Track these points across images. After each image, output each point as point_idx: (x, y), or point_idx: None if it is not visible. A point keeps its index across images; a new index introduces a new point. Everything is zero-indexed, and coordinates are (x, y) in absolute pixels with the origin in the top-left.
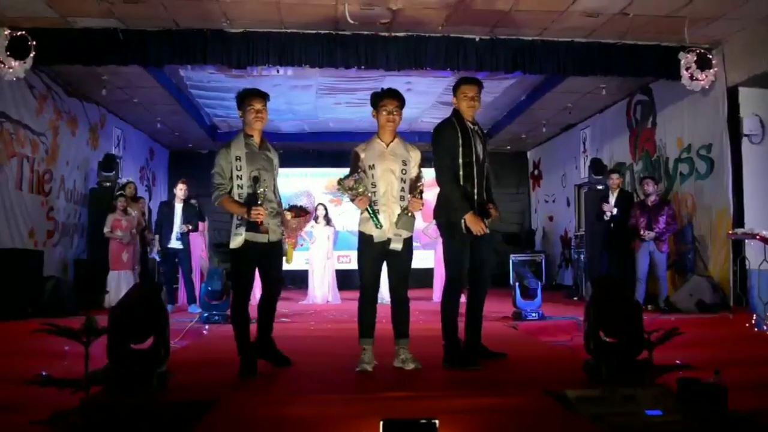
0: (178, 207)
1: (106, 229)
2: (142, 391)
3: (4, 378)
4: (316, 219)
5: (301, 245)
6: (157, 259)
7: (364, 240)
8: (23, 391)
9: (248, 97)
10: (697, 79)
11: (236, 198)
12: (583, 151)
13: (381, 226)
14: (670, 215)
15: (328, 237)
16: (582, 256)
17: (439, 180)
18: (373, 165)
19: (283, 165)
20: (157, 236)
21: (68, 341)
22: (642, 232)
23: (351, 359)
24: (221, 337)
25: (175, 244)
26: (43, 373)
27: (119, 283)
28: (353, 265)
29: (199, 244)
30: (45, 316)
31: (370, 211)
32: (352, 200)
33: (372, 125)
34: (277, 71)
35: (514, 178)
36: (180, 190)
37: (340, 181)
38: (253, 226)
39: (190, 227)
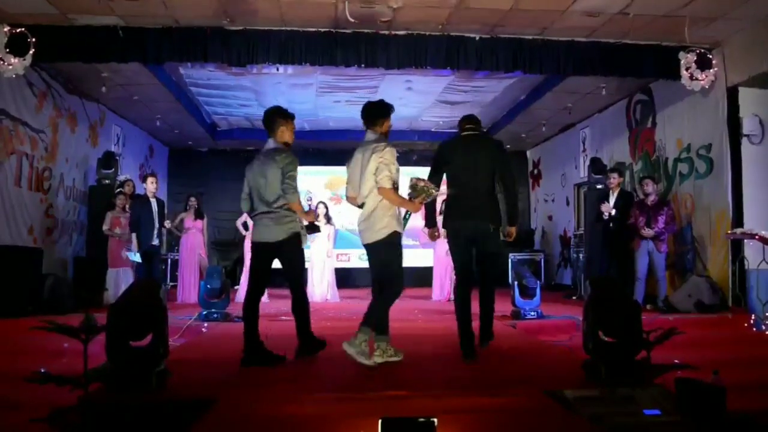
0: (153, 203)
1: (105, 227)
2: (141, 389)
3: (4, 375)
4: (316, 217)
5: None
6: (136, 260)
7: (399, 240)
8: (22, 389)
9: (290, 116)
10: (697, 79)
11: None
12: (583, 150)
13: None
14: (669, 215)
15: (329, 235)
16: (581, 256)
17: (516, 191)
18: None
19: None
20: (134, 234)
21: (67, 339)
22: (642, 230)
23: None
24: (220, 335)
25: (155, 241)
26: (42, 371)
27: (118, 281)
28: (353, 263)
29: (198, 242)
30: (44, 314)
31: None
32: (421, 202)
33: None
34: (277, 69)
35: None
36: (151, 183)
37: (429, 186)
38: (310, 228)
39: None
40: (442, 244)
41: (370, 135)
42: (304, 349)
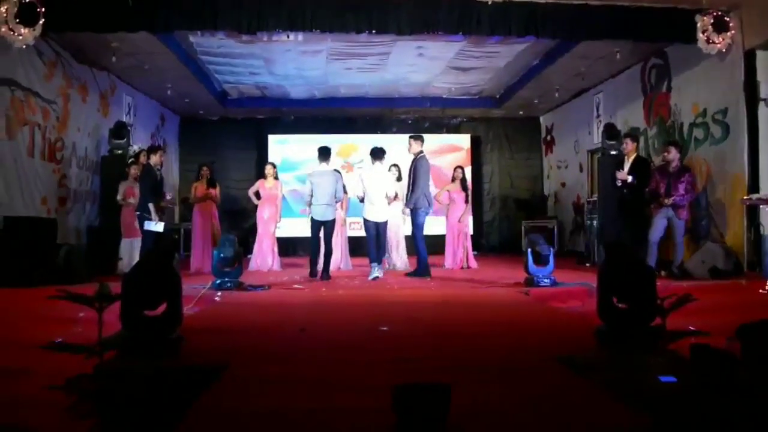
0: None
1: (119, 197)
2: (155, 357)
3: (20, 343)
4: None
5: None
6: (158, 230)
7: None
8: (38, 356)
9: None
10: (713, 43)
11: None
12: (597, 116)
13: None
14: (690, 182)
15: (342, 204)
16: (594, 222)
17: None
18: None
19: (293, 131)
20: (151, 204)
21: (82, 308)
22: (662, 198)
23: (362, 324)
24: (233, 304)
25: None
26: (58, 340)
27: (132, 251)
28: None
29: (212, 211)
30: (59, 283)
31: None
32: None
33: (382, 90)
34: (288, 37)
35: (526, 143)
36: (161, 156)
37: None
38: None
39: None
40: (455, 211)
41: (381, 164)
42: (324, 275)
